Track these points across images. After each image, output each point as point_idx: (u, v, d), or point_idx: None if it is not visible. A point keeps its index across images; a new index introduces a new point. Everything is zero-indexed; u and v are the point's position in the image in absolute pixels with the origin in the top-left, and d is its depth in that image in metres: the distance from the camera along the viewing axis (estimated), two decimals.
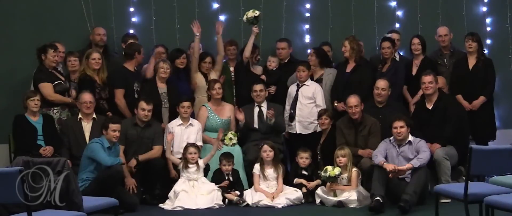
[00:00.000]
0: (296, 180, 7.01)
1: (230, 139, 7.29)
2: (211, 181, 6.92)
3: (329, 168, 6.59)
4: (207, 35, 8.02)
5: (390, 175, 6.38)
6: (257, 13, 7.64)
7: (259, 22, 7.72)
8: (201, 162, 6.87)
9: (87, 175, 6.45)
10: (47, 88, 6.97)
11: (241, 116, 7.42)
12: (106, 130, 6.58)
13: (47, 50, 7.03)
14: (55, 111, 7.04)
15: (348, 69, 7.61)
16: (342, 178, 6.70)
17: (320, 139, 7.34)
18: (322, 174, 6.62)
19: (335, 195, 6.63)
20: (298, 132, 7.52)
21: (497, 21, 8.43)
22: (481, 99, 7.39)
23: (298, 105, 7.51)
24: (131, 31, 8.09)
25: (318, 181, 6.94)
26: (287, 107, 7.60)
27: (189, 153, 6.82)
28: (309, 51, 8.07)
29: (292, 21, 8.37)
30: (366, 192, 6.64)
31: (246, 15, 7.67)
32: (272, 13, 8.29)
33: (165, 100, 7.41)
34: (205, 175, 6.94)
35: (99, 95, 7.18)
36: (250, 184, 7.06)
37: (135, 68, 7.51)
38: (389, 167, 6.38)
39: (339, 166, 6.70)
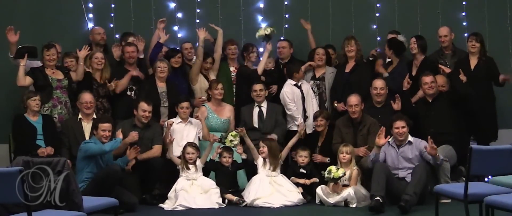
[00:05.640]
0: (292, 179, 6.98)
1: (231, 141, 7.13)
2: (209, 170, 6.94)
3: (333, 169, 6.55)
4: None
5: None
6: (268, 31, 7.63)
7: (271, 39, 7.71)
8: (199, 162, 6.86)
9: (85, 176, 6.42)
10: None
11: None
12: (96, 130, 6.58)
13: (43, 50, 7.08)
14: (45, 108, 7.03)
15: (347, 69, 7.63)
16: (345, 179, 6.67)
17: (318, 141, 7.34)
18: (326, 174, 6.59)
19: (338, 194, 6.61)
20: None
21: (497, 21, 8.42)
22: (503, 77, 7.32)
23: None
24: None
25: (315, 179, 6.94)
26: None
27: (187, 153, 6.81)
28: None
29: (292, 21, 8.36)
30: (366, 191, 6.64)
31: (258, 32, 7.65)
32: (272, 13, 8.29)
33: (165, 99, 7.43)
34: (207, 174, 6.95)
35: (96, 91, 7.22)
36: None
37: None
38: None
39: (343, 162, 6.71)
